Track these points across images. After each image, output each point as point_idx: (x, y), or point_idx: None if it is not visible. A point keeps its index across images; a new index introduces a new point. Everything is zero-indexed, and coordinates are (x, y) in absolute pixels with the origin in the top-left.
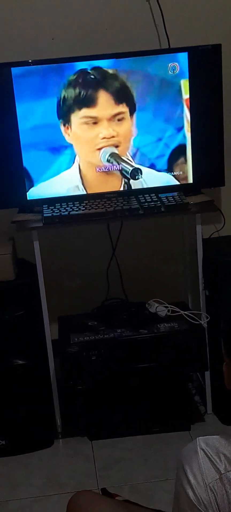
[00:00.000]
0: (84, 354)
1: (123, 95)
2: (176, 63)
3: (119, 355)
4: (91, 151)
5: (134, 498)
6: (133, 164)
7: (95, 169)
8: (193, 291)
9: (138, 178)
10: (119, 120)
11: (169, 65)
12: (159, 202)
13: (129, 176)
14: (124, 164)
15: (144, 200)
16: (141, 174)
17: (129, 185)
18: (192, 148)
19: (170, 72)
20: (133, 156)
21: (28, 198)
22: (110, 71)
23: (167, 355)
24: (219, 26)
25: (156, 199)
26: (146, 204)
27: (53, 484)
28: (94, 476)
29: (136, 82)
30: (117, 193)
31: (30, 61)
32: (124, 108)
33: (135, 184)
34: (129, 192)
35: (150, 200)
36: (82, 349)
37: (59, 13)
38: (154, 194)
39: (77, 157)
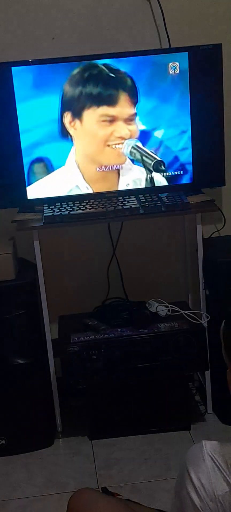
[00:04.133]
0: (84, 354)
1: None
2: (176, 63)
3: (119, 354)
4: (100, 149)
5: (134, 497)
6: (156, 156)
7: (96, 168)
8: (193, 291)
9: (161, 171)
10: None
11: (170, 64)
12: (159, 202)
13: (152, 169)
14: (146, 156)
15: (144, 200)
16: (164, 166)
17: (152, 178)
18: (193, 148)
19: (170, 71)
20: (156, 150)
21: (28, 198)
22: (122, 70)
23: (167, 355)
24: (219, 26)
25: (156, 198)
26: (147, 203)
27: (53, 484)
28: (95, 476)
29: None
30: (118, 193)
31: (30, 60)
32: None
33: (155, 178)
34: (129, 192)
35: (150, 199)
36: (83, 348)
37: (59, 13)
38: (154, 194)
39: (73, 154)
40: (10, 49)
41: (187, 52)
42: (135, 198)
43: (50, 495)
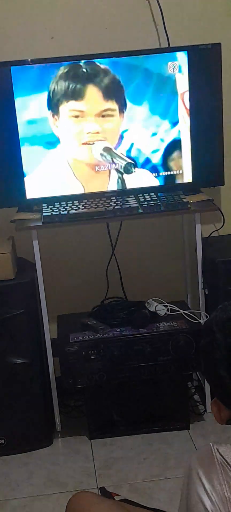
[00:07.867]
0: (83, 353)
1: (113, 92)
2: (175, 62)
3: (118, 354)
4: (77, 146)
5: (133, 497)
6: (126, 158)
7: (85, 165)
8: (192, 290)
9: (131, 172)
10: (105, 116)
11: (169, 64)
12: (158, 201)
13: (122, 171)
14: (117, 158)
15: (143, 199)
16: (134, 167)
17: (122, 180)
18: (192, 147)
19: (169, 70)
20: (128, 152)
21: (27, 197)
22: (102, 66)
23: (167, 354)
24: (219, 25)
25: (155, 198)
26: (145, 203)
27: (52, 483)
28: (94, 475)
29: (129, 78)
30: (116, 192)
31: (29, 60)
32: (113, 105)
33: (129, 181)
34: (128, 191)
35: (149, 199)
36: (82, 348)
37: (58, 12)
38: (153, 193)
39: (65, 154)
40: (9, 48)
41: (186, 52)
42: (134, 198)
43: (50, 494)
